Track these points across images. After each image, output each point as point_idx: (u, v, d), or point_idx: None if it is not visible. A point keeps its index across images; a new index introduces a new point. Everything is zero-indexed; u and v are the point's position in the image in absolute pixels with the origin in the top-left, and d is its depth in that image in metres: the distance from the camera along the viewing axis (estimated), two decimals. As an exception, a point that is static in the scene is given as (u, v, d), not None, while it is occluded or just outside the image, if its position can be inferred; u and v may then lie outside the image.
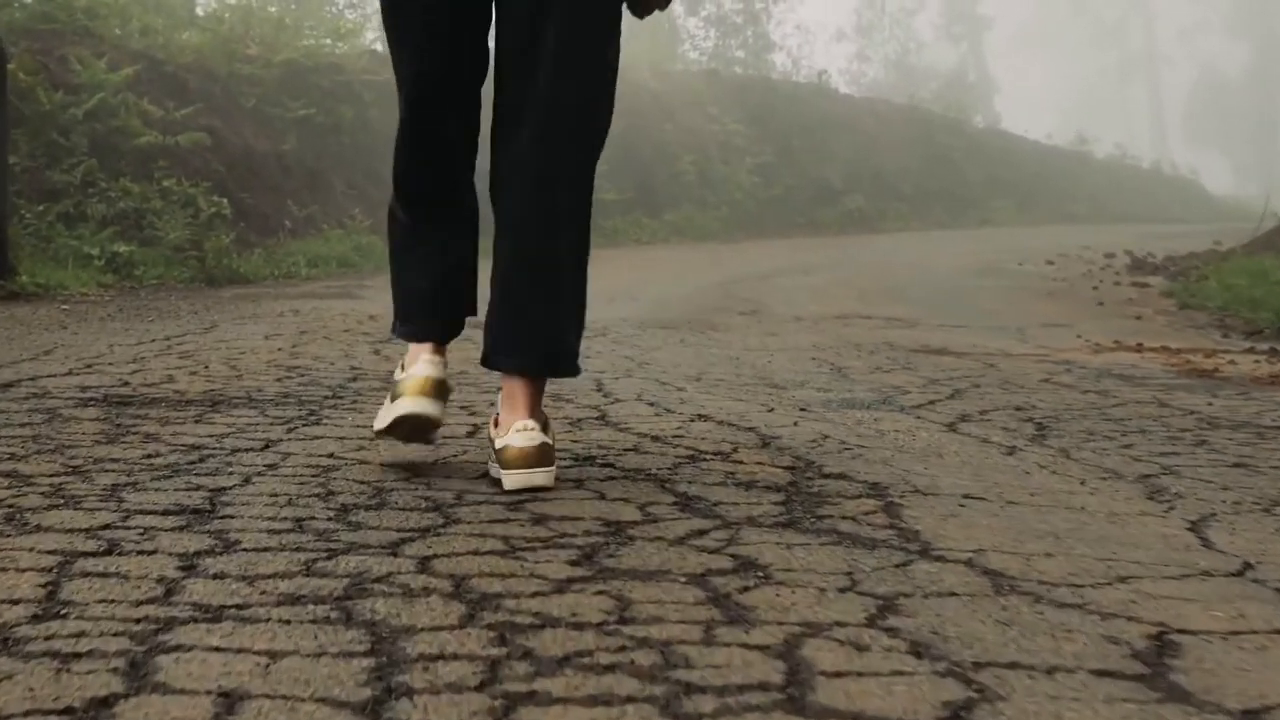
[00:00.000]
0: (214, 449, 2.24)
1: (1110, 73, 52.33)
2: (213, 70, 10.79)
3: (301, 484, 1.97)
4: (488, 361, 2.19)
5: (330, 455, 2.21)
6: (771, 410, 2.91)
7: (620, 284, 8.07)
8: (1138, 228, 20.73)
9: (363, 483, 1.99)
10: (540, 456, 1.97)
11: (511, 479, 1.95)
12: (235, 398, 2.87)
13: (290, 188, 10.58)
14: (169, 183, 8.92)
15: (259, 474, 2.03)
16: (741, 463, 2.23)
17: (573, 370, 2.20)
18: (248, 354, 3.74)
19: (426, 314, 2.24)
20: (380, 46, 15.27)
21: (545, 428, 2.06)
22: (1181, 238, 17.00)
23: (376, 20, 16.32)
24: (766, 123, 19.16)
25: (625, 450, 2.33)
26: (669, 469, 2.16)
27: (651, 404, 2.96)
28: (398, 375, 2.21)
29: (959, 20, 39.32)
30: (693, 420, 2.71)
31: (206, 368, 3.38)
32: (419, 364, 2.16)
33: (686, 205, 16.43)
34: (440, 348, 2.22)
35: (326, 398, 2.92)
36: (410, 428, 2.13)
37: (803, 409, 2.95)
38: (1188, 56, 52.56)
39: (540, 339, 2.12)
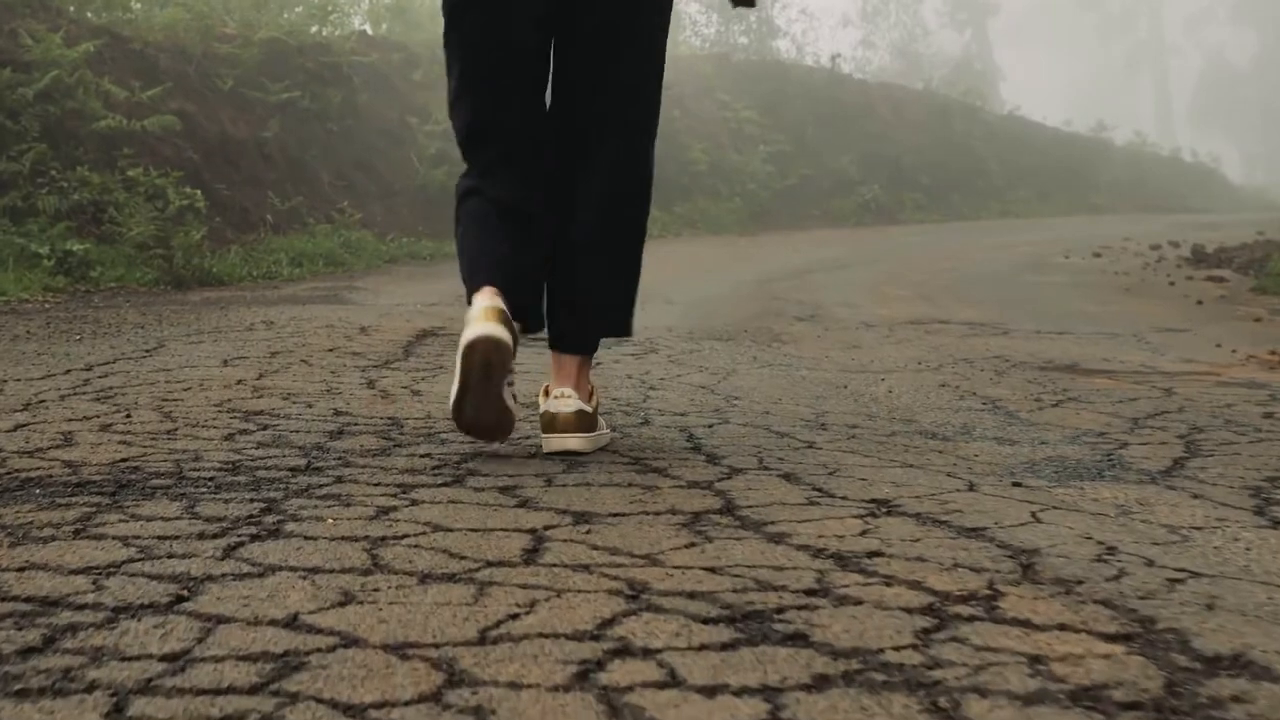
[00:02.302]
0: (78, 608, 1.24)
1: (1116, 61, 51.37)
2: (185, 49, 9.76)
3: (224, 723, 0.97)
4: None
5: (290, 623, 1.21)
6: (972, 487, 1.92)
7: (647, 283, 7.05)
8: (1168, 218, 19.78)
9: (347, 711, 1.00)
10: (577, 422, 2.15)
11: (550, 442, 2.14)
12: (155, 475, 1.87)
13: (271, 178, 9.56)
14: (134, 172, 7.92)
15: (143, 690, 1.04)
16: (1032, 626, 1.24)
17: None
18: (194, 391, 2.73)
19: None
20: (369, 29, 14.25)
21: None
22: (1218, 228, 16.06)
23: (365, 5, 15.31)
24: (779, 110, 18.15)
25: (805, 595, 1.33)
26: (918, 653, 1.16)
27: (788, 476, 1.96)
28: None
29: (963, 7, 38.29)
30: (874, 514, 1.72)
31: (128, 416, 2.38)
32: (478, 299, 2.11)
33: (698, 197, 15.42)
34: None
35: (295, 472, 1.92)
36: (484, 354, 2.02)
37: (1015, 483, 1.96)
38: (1194, 45, 51.62)
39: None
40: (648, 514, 1.69)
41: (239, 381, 2.88)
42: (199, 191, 8.27)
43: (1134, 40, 51.07)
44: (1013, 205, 20.68)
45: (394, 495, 1.77)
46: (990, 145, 21.56)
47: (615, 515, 1.67)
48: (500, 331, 2.02)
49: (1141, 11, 50.89)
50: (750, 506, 1.74)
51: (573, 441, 2.12)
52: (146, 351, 3.41)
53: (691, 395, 2.89)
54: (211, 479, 1.86)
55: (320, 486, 1.83)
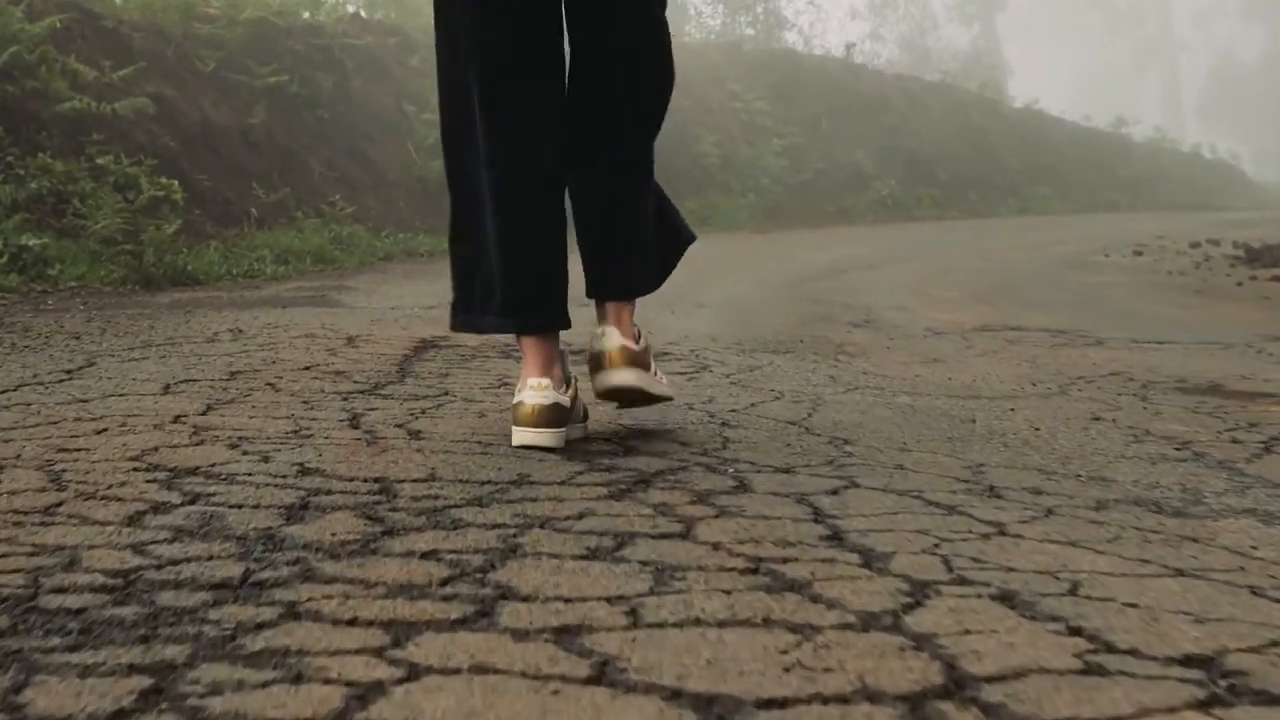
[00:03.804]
0: None
1: (1123, 58, 50.66)
2: (163, 28, 9.01)
3: None
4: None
5: None
6: (1313, 622, 1.19)
7: (672, 286, 6.33)
8: (1193, 215, 19.11)
9: None
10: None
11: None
12: (-14, 607, 1.14)
13: (257, 168, 8.82)
14: (104, 160, 7.19)
15: None
16: None
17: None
18: (109, 435, 1.99)
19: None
20: (364, 13, 13.48)
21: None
22: (1250, 225, 15.39)
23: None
24: (791, 100, 17.42)
25: None
26: None
27: (1008, 599, 1.23)
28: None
29: (972, 0, 37.57)
30: (1216, 697, 0.99)
31: (-5, 481, 1.64)
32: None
33: (710, 191, 14.70)
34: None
35: (222, 594, 1.19)
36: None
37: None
38: (1203, 41, 50.91)
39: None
40: (824, 700, 0.96)
41: (177, 419, 2.14)
42: (176, 182, 7.53)
43: (1142, 36, 50.35)
44: (1031, 202, 19.95)
45: (378, 651, 1.04)
46: (1007, 140, 20.82)
47: (769, 706, 0.94)
48: (552, 439, 1.96)
49: (1149, 7, 50.18)
50: (992, 679, 1.01)
51: (627, 375, 2.05)
52: (67, 373, 2.66)
53: (784, 438, 2.16)
54: (79, 613, 1.13)
55: (257, 628, 1.09)
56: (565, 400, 2.00)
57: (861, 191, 17.22)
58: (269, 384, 2.61)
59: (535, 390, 1.97)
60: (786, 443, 2.10)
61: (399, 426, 2.15)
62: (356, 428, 2.12)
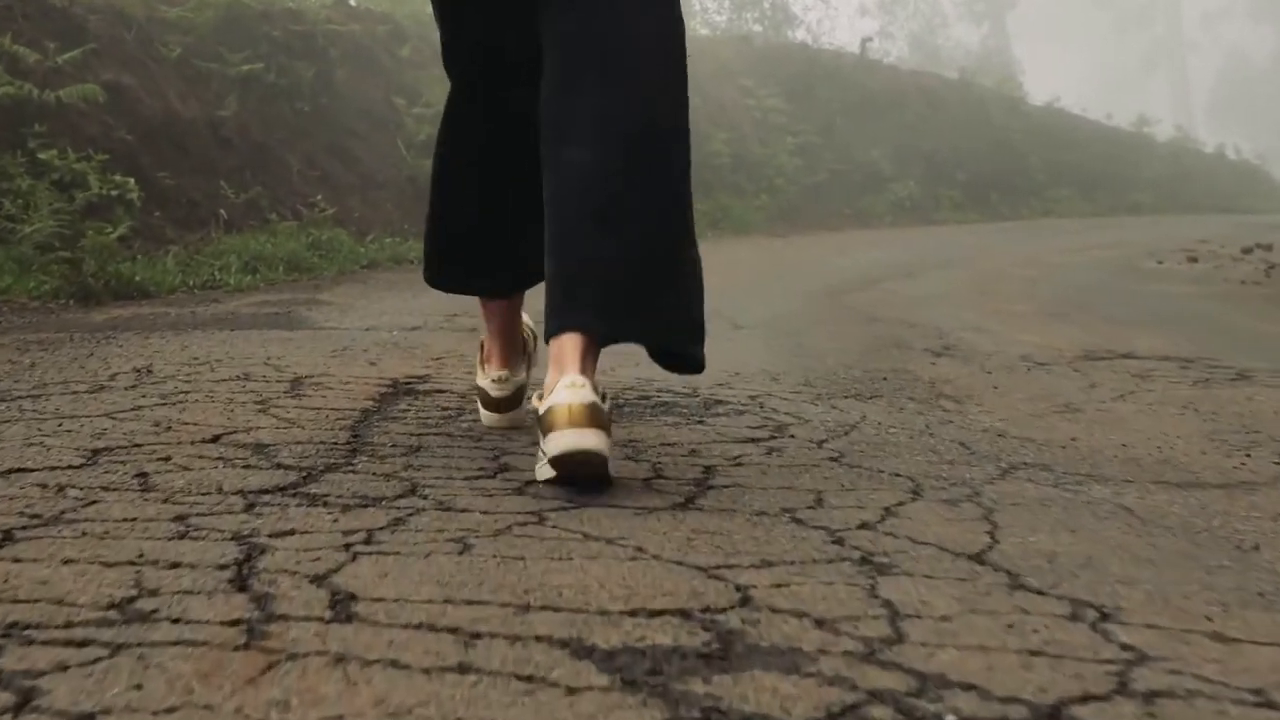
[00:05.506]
0: None
1: (1134, 58, 49.82)
2: (123, 10, 8.09)
3: None
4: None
5: None
6: None
7: (696, 297, 5.43)
8: (1225, 218, 18.24)
9: None
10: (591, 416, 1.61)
11: (559, 440, 1.60)
12: None
13: (227, 165, 7.89)
14: (47, 155, 6.28)
15: None
16: None
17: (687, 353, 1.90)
18: None
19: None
20: (355, 3, 12.57)
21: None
22: (1293, 229, 14.49)
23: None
24: (805, 97, 16.51)
25: None
26: None
27: None
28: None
29: (981, -1, 36.67)
30: None
31: None
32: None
33: (721, 193, 13.78)
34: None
35: None
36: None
37: None
38: (1212, 42, 50.09)
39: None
40: None
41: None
42: (131, 179, 6.63)
43: (1150, 36, 49.52)
44: (1055, 204, 19.04)
45: None
46: (1028, 140, 19.91)
47: None
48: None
49: (1158, 7, 49.35)
50: None
51: (590, 438, 1.60)
52: None
53: (985, 602, 1.24)
54: None
55: None
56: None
57: (879, 193, 16.33)
58: (140, 475, 1.69)
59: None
60: (1005, 620, 1.19)
61: (316, 582, 1.23)
62: (242, 589, 1.21)
